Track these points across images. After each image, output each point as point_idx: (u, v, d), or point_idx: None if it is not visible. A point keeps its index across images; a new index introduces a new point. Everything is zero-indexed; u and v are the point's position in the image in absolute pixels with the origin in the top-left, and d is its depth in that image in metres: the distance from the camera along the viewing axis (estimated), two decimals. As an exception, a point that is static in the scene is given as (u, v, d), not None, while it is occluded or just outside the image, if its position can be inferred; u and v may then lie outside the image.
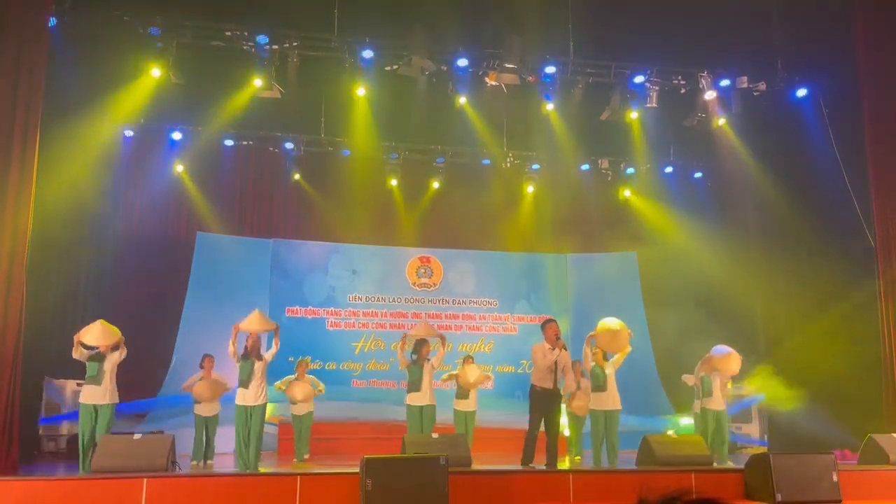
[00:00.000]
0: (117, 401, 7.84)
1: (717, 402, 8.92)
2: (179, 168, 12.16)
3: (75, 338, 7.69)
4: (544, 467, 7.51)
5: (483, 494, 6.61)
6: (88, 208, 10.60)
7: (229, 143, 12.38)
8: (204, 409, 8.95)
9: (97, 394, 7.63)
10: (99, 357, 7.76)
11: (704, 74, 10.99)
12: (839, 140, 10.37)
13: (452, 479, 6.18)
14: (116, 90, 10.90)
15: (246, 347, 7.99)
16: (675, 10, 10.41)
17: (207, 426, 8.94)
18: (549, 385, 7.53)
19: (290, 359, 12.10)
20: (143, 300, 11.44)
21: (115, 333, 7.80)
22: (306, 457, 9.39)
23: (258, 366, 7.97)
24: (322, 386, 9.74)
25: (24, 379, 7.60)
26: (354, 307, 13.00)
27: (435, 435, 7.67)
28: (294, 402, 9.49)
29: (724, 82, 11.07)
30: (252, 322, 8.12)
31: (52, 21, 8.76)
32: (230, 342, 7.98)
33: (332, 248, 13.21)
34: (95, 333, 7.72)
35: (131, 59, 9.91)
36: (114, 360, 7.77)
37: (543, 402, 7.58)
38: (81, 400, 7.72)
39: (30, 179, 7.55)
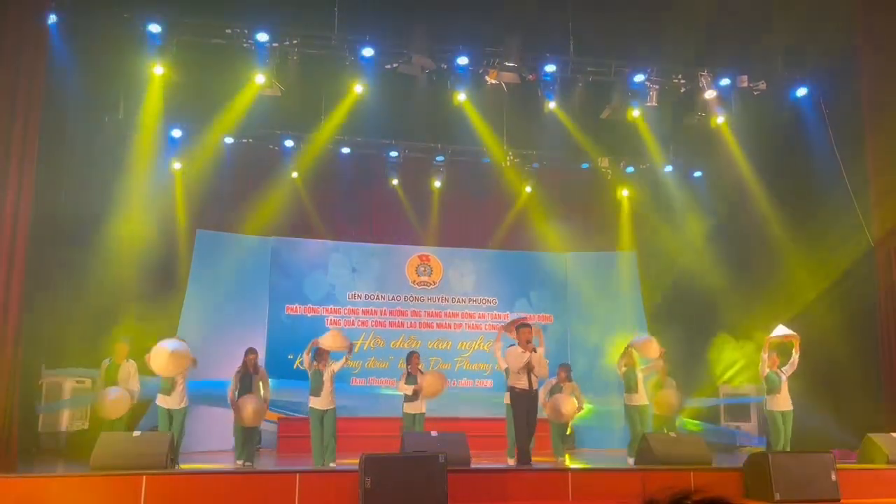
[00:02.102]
0: (188, 405, 8.53)
1: (785, 402, 9.00)
2: (178, 165, 12.16)
3: (146, 359, 8.11)
4: (544, 465, 7.55)
5: (482, 493, 6.62)
6: (88, 206, 10.60)
7: (229, 140, 12.37)
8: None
9: (171, 401, 8.37)
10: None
11: (704, 73, 10.97)
12: (839, 140, 10.37)
13: (451, 478, 6.20)
14: (116, 88, 10.91)
15: (316, 359, 8.63)
16: (676, 10, 10.40)
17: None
18: (524, 385, 7.81)
19: (290, 356, 12.15)
20: (143, 298, 11.43)
21: (184, 360, 8.20)
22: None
23: (327, 375, 8.62)
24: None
25: (24, 377, 7.61)
26: (354, 305, 13.02)
27: (434, 433, 7.69)
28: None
29: (724, 81, 11.05)
30: (329, 340, 8.72)
31: (52, 19, 8.75)
32: (304, 353, 8.69)
33: (332, 247, 13.22)
34: (163, 364, 8.04)
35: (131, 56, 9.89)
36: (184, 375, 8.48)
37: (523, 402, 7.83)
38: (159, 403, 8.41)
39: (30, 178, 7.56)
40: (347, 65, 10.48)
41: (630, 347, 9.68)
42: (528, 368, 7.77)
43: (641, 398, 9.58)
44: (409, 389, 9.14)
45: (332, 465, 8.61)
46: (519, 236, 13.65)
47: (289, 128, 12.41)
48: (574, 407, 9.18)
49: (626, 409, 9.65)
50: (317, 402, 8.64)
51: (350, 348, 8.84)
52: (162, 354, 8.01)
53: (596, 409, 12.04)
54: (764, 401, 9.28)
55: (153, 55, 9.79)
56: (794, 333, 8.99)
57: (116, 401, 8.31)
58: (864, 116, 9.60)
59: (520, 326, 8.02)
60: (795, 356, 8.95)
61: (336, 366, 8.70)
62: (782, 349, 9.15)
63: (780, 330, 9.07)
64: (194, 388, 9.25)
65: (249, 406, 8.55)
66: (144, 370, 9.14)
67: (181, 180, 12.26)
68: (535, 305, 13.56)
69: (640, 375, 9.58)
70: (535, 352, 7.86)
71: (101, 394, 8.45)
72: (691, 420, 11.44)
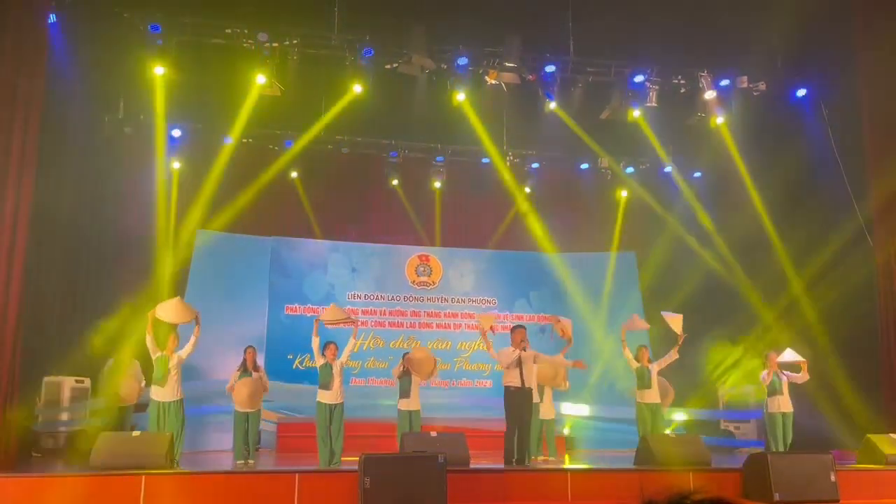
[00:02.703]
0: (183, 396, 8.34)
1: (786, 403, 8.99)
2: (178, 165, 12.16)
3: (150, 314, 8.14)
4: (543, 466, 7.55)
5: (481, 493, 6.63)
6: (87, 205, 10.60)
7: (229, 140, 12.36)
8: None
9: (164, 393, 8.17)
10: (164, 360, 8.22)
11: (704, 74, 10.98)
12: (839, 140, 10.37)
13: (451, 478, 6.20)
14: (116, 88, 10.91)
15: (325, 354, 8.65)
16: (676, 10, 10.40)
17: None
18: (517, 383, 7.82)
19: (290, 356, 12.15)
20: (143, 297, 11.43)
21: (191, 311, 8.37)
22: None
23: (336, 369, 8.61)
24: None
25: (23, 375, 7.62)
26: (354, 305, 12.98)
27: (433, 433, 7.69)
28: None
29: (724, 82, 11.06)
30: (329, 313, 8.98)
31: (52, 18, 8.75)
32: (313, 334, 8.61)
33: (332, 246, 13.22)
34: (171, 310, 8.20)
35: (131, 56, 9.90)
36: (177, 359, 8.30)
37: (515, 400, 7.83)
38: (152, 396, 8.22)
39: (29, 177, 7.55)
40: (347, 65, 10.48)
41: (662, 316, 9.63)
42: (519, 365, 7.78)
43: (654, 396, 9.22)
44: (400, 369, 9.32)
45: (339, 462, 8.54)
46: (518, 236, 13.63)
47: (289, 128, 12.41)
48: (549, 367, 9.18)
49: (638, 407, 9.30)
50: (326, 397, 8.57)
51: (353, 322, 9.03)
52: (171, 300, 8.42)
53: (594, 412, 12.04)
54: (765, 403, 9.28)
55: (153, 55, 9.79)
56: (803, 359, 9.04)
57: (128, 387, 8.90)
58: (864, 117, 9.59)
59: (515, 328, 8.07)
60: (806, 375, 9.00)
61: (345, 356, 8.76)
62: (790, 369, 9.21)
63: (789, 355, 9.08)
64: (194, 388, 9.26)
65: (246, 388, 8.78)
66: (145, 369, 9.19)
67: (180, 180, 12.26)
68: (535, 306, 13.55)
69: (654, 370, 9.28)
70: (526, 350, 7.89)
71: (112, 383, 8.95)
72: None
